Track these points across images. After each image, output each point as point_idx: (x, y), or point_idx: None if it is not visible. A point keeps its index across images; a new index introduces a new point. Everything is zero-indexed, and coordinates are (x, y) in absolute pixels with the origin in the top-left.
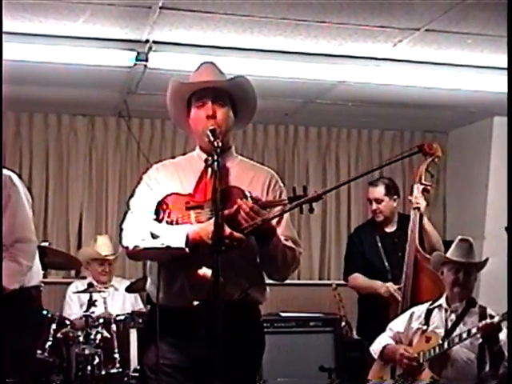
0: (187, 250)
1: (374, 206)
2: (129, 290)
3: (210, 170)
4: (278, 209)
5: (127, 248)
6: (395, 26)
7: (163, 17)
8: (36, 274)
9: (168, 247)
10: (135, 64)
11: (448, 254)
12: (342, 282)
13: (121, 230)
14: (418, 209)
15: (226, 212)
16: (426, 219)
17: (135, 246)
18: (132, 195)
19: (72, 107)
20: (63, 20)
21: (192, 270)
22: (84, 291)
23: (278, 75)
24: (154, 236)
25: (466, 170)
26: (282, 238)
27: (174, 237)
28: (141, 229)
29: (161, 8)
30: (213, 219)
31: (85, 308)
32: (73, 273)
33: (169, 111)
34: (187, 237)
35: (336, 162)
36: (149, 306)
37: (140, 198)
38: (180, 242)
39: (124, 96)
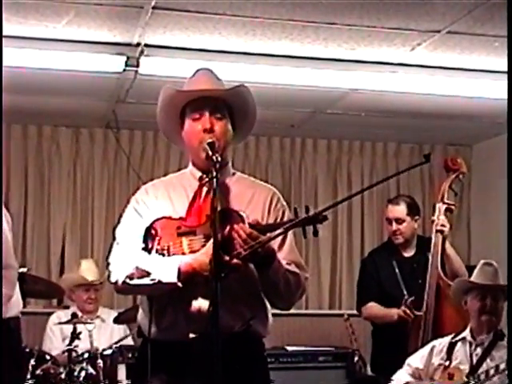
0: (180, 284)
1: (394, 226)
2: (117, 321)
3: (204, 189)
4: (278, 232)
5: (116, 284)
6: (413, 28)
7: (156, 18)
8: (16, 304)
9: (159, 282)
10: (125, 70)
11: (472, 279)
12: (355, 311)
13: (107, 264)
14: (442, 232)
15: (224, 235)
16: (449, 244)
17: (124, 283)
18: (119, 222)
19: (54, 117)
20: (44, 21)
21: (187, 302)
22: (67, 322)
23: (283, 82)
24: (143, 274)
25: (492, 187)
26: (284, 262)
27: (165, 270)
28: (130, 263)
29: (153, 8)
30: (205, 247)
31: (68, 341)
32: (55, 302)
33: (159, 122)
34: (179, 270)
35: (348, 179)
36: (140, 340)
37: (127, 226)
38: (172, 276)
39: (112, 105)
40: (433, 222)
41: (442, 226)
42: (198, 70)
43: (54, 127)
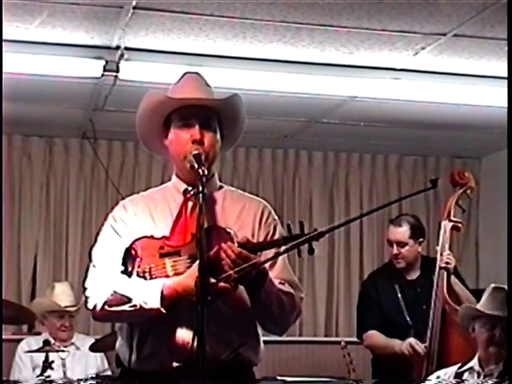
0: (163, 310)
1: (395, 249)
2: (93, 348)
3: (190, 204)
4: (270, 251)
5: (93, 310)
6: (417, 31)
7: (137, 18)
8: None
9: (141, 308)
10: (103, 75)
11: (479, 306)
12: (353, 339)
13: (84, 288)
14: (447, 269)
15: (210, 255)
16: (454, 279)
17: (102, 309)
18: (95, 242)
19: (25, 126)
20: (15, 21)
21: (170, 330)
22: (38, 350)
23: (275, 89)
24: (122, 300)
25: (502, 203)
26: (277, 282)
27: (147, 295)
28: (108, 287)
29: (134, 8)
30: (190, 270)
31: (39, 371)
32: (25, 328)
33: (138, 129)
34: (162, 295)
35: (345, 194)
36: (119, 370)
37: (105, 247)
38: (154, 302)
39: (89, 113)
40: (438, 258)
41: (447, 263)
42: (184, 74)
43: (25, 137)
